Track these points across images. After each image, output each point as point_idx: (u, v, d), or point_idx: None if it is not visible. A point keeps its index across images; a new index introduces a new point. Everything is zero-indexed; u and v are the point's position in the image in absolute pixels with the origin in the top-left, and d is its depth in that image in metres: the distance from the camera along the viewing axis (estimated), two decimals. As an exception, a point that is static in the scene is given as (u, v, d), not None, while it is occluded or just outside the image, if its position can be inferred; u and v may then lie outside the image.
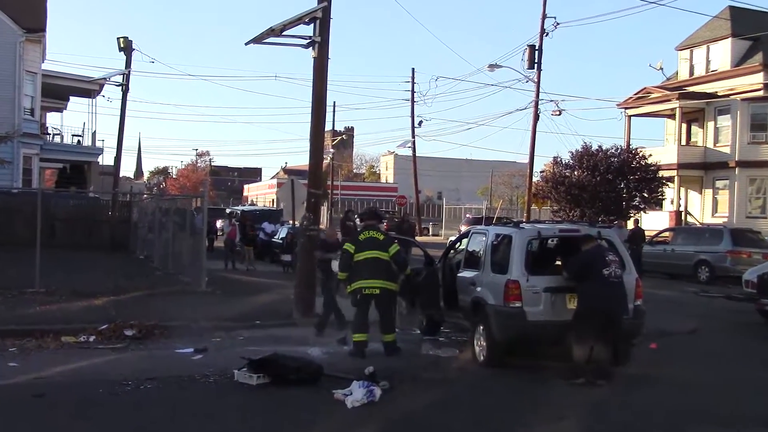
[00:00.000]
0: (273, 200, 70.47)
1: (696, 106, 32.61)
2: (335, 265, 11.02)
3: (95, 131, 31.76)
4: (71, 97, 34.25)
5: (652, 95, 34.16)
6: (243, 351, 9.21)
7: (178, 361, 8.94)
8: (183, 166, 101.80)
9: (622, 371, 8.37)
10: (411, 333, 10.76)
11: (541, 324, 8.36)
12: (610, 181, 29.32)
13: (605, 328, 7.95)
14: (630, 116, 35.66)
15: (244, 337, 11.01)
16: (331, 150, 57.66)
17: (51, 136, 32.49)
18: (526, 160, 36.17)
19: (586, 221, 18.42)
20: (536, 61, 32.12)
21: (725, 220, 29.67)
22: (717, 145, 31.70)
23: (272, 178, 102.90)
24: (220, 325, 11.61)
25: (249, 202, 74.19)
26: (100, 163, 34.13)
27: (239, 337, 11.01)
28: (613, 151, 30.38)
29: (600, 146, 30.69)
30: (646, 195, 29.56)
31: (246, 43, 12.69)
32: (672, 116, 34.26)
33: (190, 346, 9.92)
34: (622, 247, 9.04)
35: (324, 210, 56.18)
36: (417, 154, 48.41)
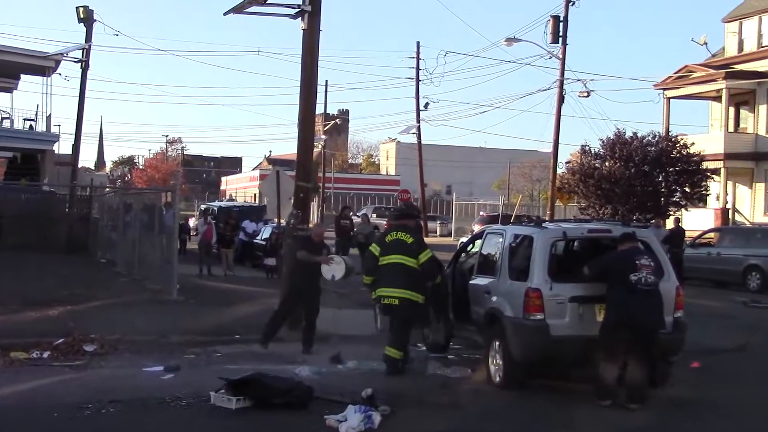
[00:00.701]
0: (255, 195, 70.52)
1: (746, 87, 32.62)
2: (326, 271, 11.02)
3: (50, 115, 31.63)
4: (22, 76, 34.23)
5: (695, 74, 34.19)
6: (221, 370, 9.20)
7: (145, 381, 8.93)
8: (151, 156, 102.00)
9: (659, 393, 8.35)
10: (415, 349, 10.78)
11: (567, 339, 8.34)
12: (646, 174, 29.36)
13: (635, 344, 7.93)
14: (669, 98, 35.70)
15: (222, 353, 11.01)
16: (323, 137, 57.71)
17: (-1, 120, 32.51)
18: (549, 148, 36.23)
19: (619, 220, 18.40)
20: (561, 34, 32.12)
21: (779, 218, 29.70)
22: (770, 132, 31.76)
23: (254, 169, 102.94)
24: (194, 339, 11.60)
25: (227, 197, 74.21)
26: (56, 152, 34.11)
27: (216, 353, 11.01)
28: (649, 138, 30.41)
29: (635, 133, 30.76)
30: (687, 190, 29.61)
31: (225, 13, 12.71)
32: (718, 99, 34.28)
33: (159, 363, 9.91)
34: (660, 251, 9.03)
35: (314, 206, 56.28)
36: (423, 142, 48.45)
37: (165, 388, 8.44)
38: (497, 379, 8.91)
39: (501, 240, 9.59)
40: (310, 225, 13.62)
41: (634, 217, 27.64)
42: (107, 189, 30.31)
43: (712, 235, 23.80)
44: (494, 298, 9.13)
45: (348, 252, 22.73)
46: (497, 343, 8.92)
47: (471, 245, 11.03)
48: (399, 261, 9.52)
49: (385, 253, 9.61)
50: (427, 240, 13.63)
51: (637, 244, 8.46)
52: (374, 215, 43.73)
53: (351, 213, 25.16)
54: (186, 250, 25.51)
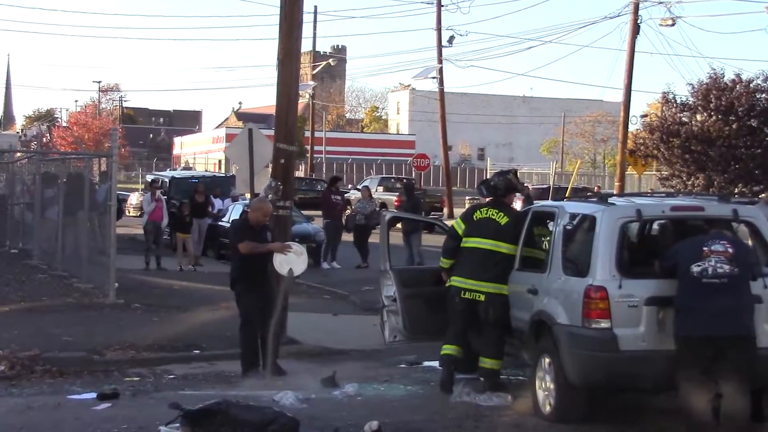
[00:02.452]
0: (220, 162, 70.67)
1: None
2: (281, 263, 10.77)
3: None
4: None
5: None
6: (174, 396, 9.24)
7: (71, 413, 8.93)
8: (79, 109, 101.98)
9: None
10: (436, 369, 10.82)
11: (642, 356, 8.32)
12: (753, 131, 29.25)
13: (721, 362, 7.88)
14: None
15: (177, 374, 11.09)
16: (312, 83, 57.67)
17: None
18: (617, 98, 36.05)
19: (715, 193, 18.38)
20: (634, -61, 31.88)
21: None
22: None
23: (218, 127, 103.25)
24: (137, 356, 11.66)
25: (183, 165, 74.44)
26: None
27: (168, 375, 11.08)
28: (759, 82, 30.25)
29: (738, 75, 30.60)
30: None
31: None
32: None
33: (91, 389, 9.95)
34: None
35: (300, 176, 56.36)
36: (446, 89, 48.34)
37: (98, 423, 8.45)
38: (547, 408, 8.91)
39: (552, 222, 9.57)
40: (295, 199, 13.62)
41: (736, 190, 27.58)
42: (18, 154, 30.26)
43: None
44: (543, 300, 9.12)
45: (340, 238, 22.79)
46: (547, 360, 8.92)
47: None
48: (488, 247, 9.78)
49: (471, 233, 9.90)
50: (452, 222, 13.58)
51: (721, 230, 8.42)
52: (380, 189, 43.85)
53: (343, 185, 25.18)
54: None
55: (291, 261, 10.87)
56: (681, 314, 7.97)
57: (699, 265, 7.92)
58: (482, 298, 9.74)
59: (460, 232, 10.01)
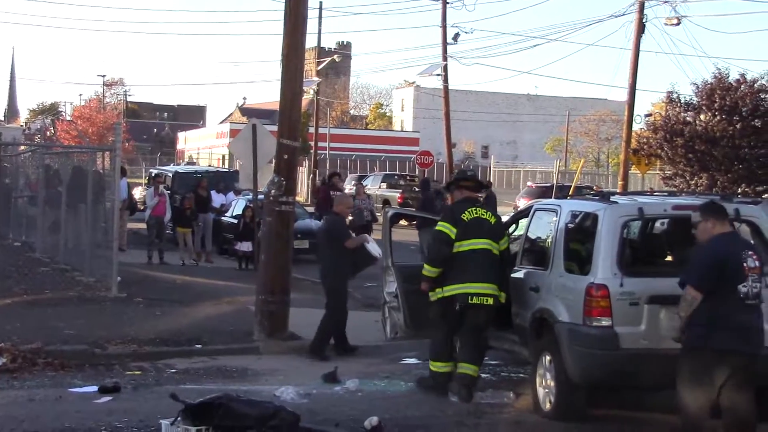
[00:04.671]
0: (223, 157, 70.67)
1: None
2: (371, 249, 11.87)
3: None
4: None
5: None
6: (175, 391, 9.24)
7: (73, 406, 8.97)
8: (83, 103, 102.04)
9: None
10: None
11: (643, 354, 8.36)
12: (757, 131, 29.20)
13: (734, 370, 7.86)
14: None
15: (178, 368, 11.10)
16: (316, 79, 57.63)
17: None
18: (622, 97, 36.03)
19: (717, 193, 18.39)
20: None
21: None
22: None
23: (223, 122, 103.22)
24: (139, 350, 11.69)
25: (186, 160, 74.49)
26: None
27: (170, 369, 11.10)
28: (763, 82, 30.20)
29: (742, 75, 30.56)
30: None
31: None
32: None
33: (92, 382, 9.99)
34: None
35: (303, 172, 56.41)
36: (451, 86, 48.29)
37: (99, 416, 8.48)
38: (547, 406, 8.93)
39: (554, 219, 9.59)
40: (298, 197, 13.75)
41: (740, 190, 27.56)
42: (22, 147, 30.29)
43: None
44: (544, 298, 9.15)
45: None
46: (547, 357, 8.95)
47: (514, 226, 11.03)
48: (486, 247, 9.61)
49: (465, 235, 9.57)
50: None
51: (733, 231, 8.26)
52: (383, 185, 43.83)
53: (342, 181, 25.07)
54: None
55: (371, 246, 12.10)
56: (717, 329, 7.61)
57: (745, 286, 7.66)
58: (491, 301, 9.52)
59: (452, 236, 9.53)
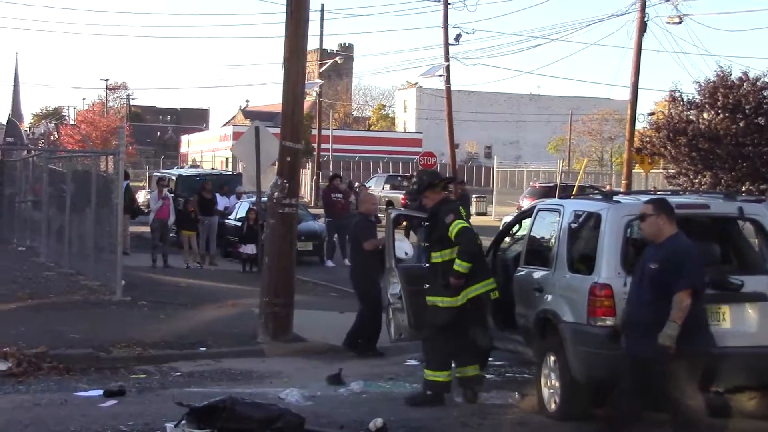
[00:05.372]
0: (227, 159, 70.72)
1: None
2: (399, 249, 11.25)
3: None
4: None
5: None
6: (180, 394, 9.28)
7: (78, 409, 8.97)
8: (86, 107, 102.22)
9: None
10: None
11: (647, 353, 8.34)
12: (761, 129, 29.13)
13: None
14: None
15: (182, 372, 11.09)
16: (318, 81, 57.68)
17: None
18: (624, 96, 35.99)
19: (721, 191, 18.35)
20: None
21: None
22: None
23: (226, 125, 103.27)
24: (144, 353, 11.68)
25: (190, 163, 74.51)
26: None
27: (174, 372, 11.09)
28: (766, 80, 30.14)
29: (745, 73, 30.47)
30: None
31: None
32: None
33: (97, 386, 10.00)
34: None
35: (306, 175, 56.43)
36: (453, 87, 48.29)
37: (105, 420, 8.49)
38: (552, 406, 8.93)
39: (557, 219, 9.58)
40: (303, 199, 13.73)
41: (743, 188, 27.49)
42: (26, 153, 30.29)
43: None
44: (548, 298, 9.15)
45: (345, 237, 22.81)
46: (552, 358, 8.94)
47: (517, 226, 11.01)
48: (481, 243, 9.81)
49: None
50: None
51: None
52: (387, 187, 43.82)
53: (342, 183, 24.99)
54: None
55: (399, 246, 11.61)
56: (701, 330, 7.64)
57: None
58: (498, 294, 9.66)
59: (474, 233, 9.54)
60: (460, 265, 9.30)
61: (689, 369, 7.53)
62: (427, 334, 9.76)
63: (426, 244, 9.76)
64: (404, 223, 12.70)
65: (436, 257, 9.50)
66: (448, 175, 10.65)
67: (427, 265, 9.82)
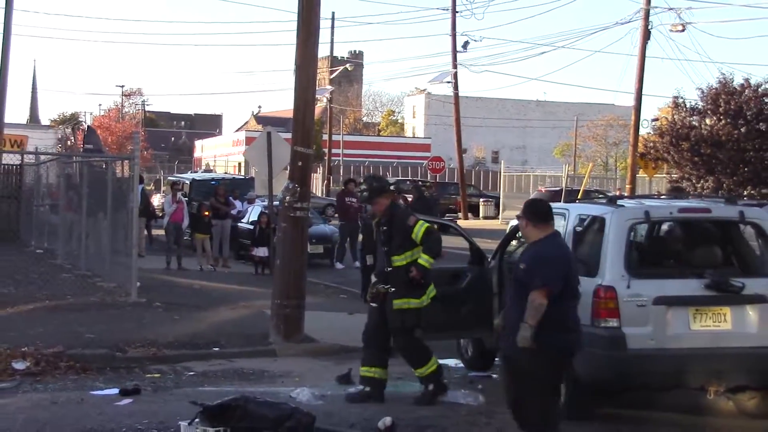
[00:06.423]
0: (239, 164, 70.77)
1: None
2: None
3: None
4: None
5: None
6: (194, 393, 9.32)
7: (95, 408, 9.00)
8: (102, 113, 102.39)
9: None
10: (449, 366, 10.86)
11: (650, 355, 8.35)
12: (762, 134, 29.07)
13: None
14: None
15: (196, 371, 11.12)
16: (329, 87, 57.72)
17: None
18: (629, 102, 35.99)
19: (723, 195, 18.31)
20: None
21: None
22: None
23: (238, 130, 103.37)
24: (159, 353, 11.71)
25: (203, 167, 74.58)
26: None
27: (188, 371, 11.12)
28: (767, 86, 30.09)
29: (746, 79, 30.44)
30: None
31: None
32: None
33: (113, 385, 10.03)
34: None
35: (317, 179, 56.45)
36: (461, 93, 48.36)
37: (120, 418, 8.51)
38: (557, 406, 8.93)
39: (563, 223, 9.56)
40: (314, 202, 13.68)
41: (745, 192, 27.45)
42: (43, 157, 30.35)
43: None
44: (553, 300, 9.13)
45: (356, 240, 22.84)
46: (557, 358, 8.93)
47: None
48: None
49: None
50: (467, 223, 13.58)
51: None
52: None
53: (357, 187, 25.02)
54: (152, 238, 25.70)
55: None
56: (565, 331, 7.34)
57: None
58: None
59: None
60: (426, 261, 9.40)
61: (547, 369, 7.30)
62: (398, 343, 9.57)
63: (386, 249, 9.55)
64: None
65: (400, 260, 9.42)
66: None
67: (389, 269, 9.52)
